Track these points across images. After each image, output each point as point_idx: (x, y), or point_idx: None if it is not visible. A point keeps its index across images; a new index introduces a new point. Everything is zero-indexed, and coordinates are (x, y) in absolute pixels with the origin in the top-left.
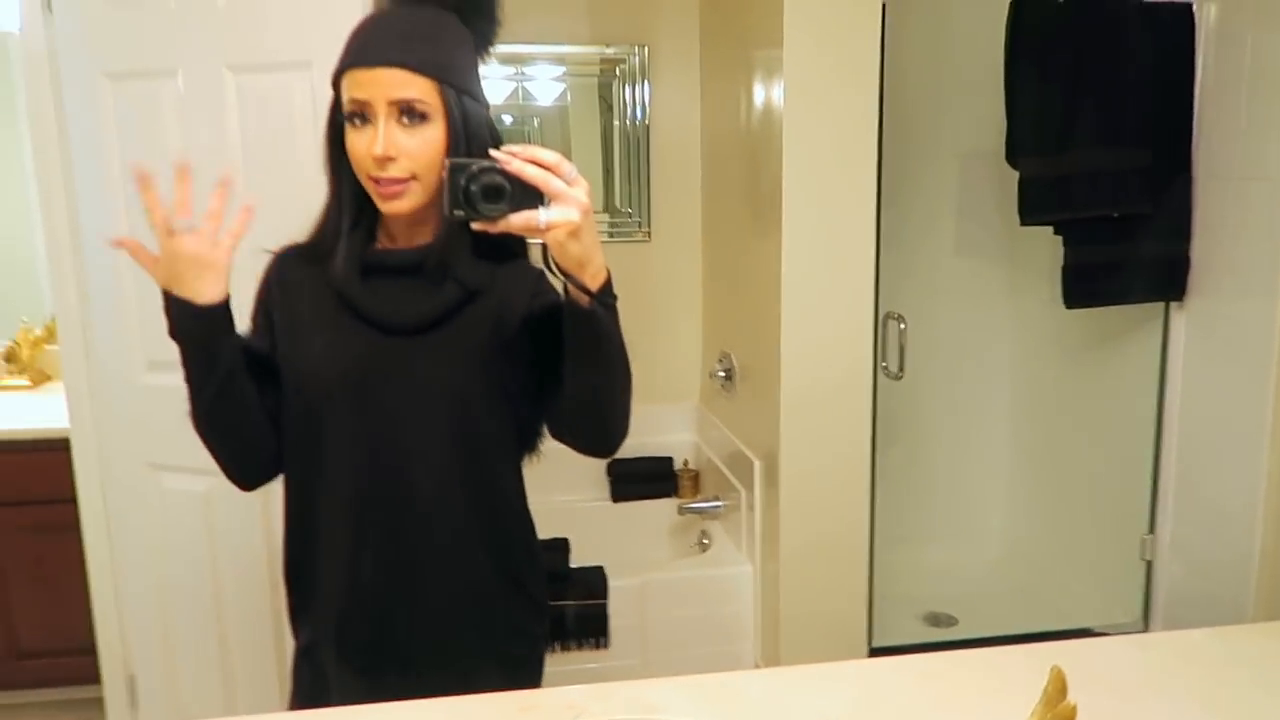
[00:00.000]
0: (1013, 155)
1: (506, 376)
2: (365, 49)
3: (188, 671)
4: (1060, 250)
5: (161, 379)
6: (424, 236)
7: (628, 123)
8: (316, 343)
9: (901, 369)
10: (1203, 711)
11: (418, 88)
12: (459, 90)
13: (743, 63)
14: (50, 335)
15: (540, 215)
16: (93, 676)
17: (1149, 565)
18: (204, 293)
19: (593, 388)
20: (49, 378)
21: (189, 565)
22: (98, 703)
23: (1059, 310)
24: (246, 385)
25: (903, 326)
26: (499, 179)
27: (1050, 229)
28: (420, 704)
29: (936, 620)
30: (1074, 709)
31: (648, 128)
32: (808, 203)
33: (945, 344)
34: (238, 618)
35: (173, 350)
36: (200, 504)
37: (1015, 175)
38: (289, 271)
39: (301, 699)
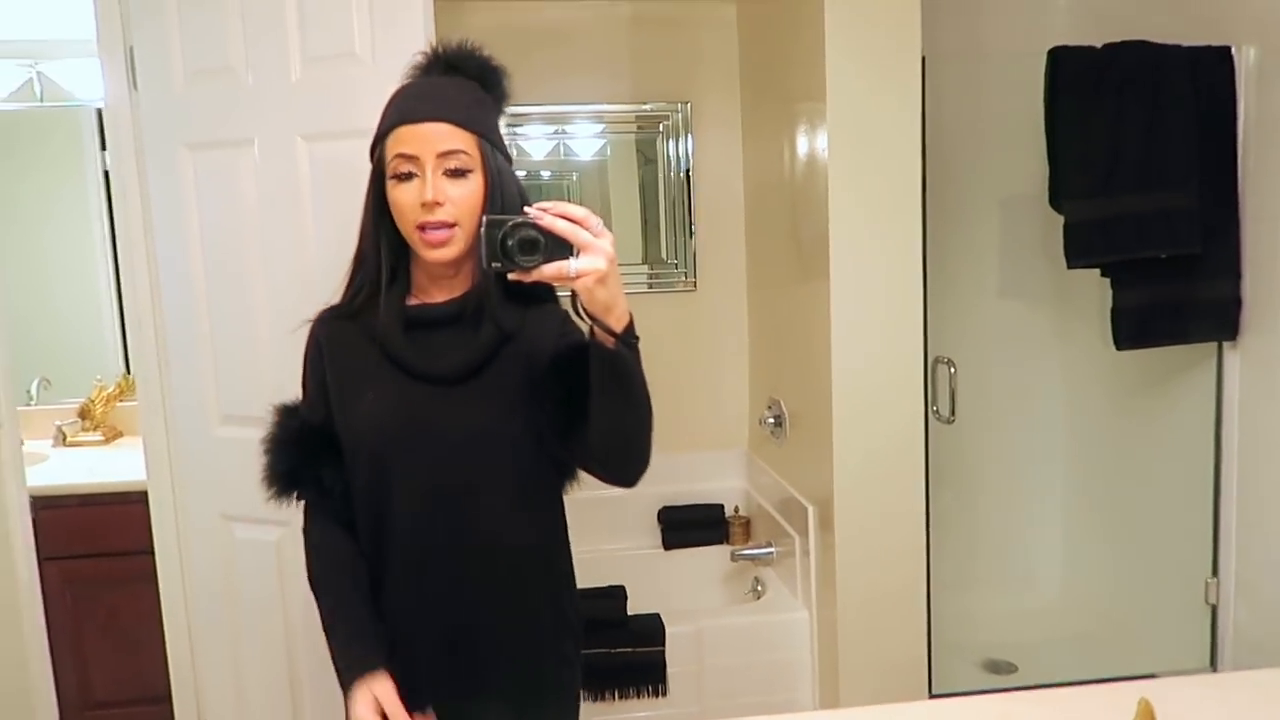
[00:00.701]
0: (1056, 199)
1: (538, 414)
2: (411, 108)
3: (260, 715)
4: (1108, 292)
5: (234, 432)
6: (456, 289)
7: (671, 175)
8: (367, 397)
9: (953, 413)
10: None
11: (461, 140)
12: (494, 146)
13: (785, 116)
14: (122, 392)
15: (570, 265)
16: None
17: (1213, 609)
18: None
19: (617, 422)
20: (120, 434)
21: (261, 613)
22: None
23: (1109, 352)
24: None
25: (953, 370)
26: (533, 233)
27: (1097, 271)
28: None
29: (996, 668)
30: None
31: (691, 180)
32: (854, 250)
33: (996, 388)
34: (308, 665)
35: (244, 405)
36: (272, 553)
37: (1058, 219)
38: (332, 332)
39: None
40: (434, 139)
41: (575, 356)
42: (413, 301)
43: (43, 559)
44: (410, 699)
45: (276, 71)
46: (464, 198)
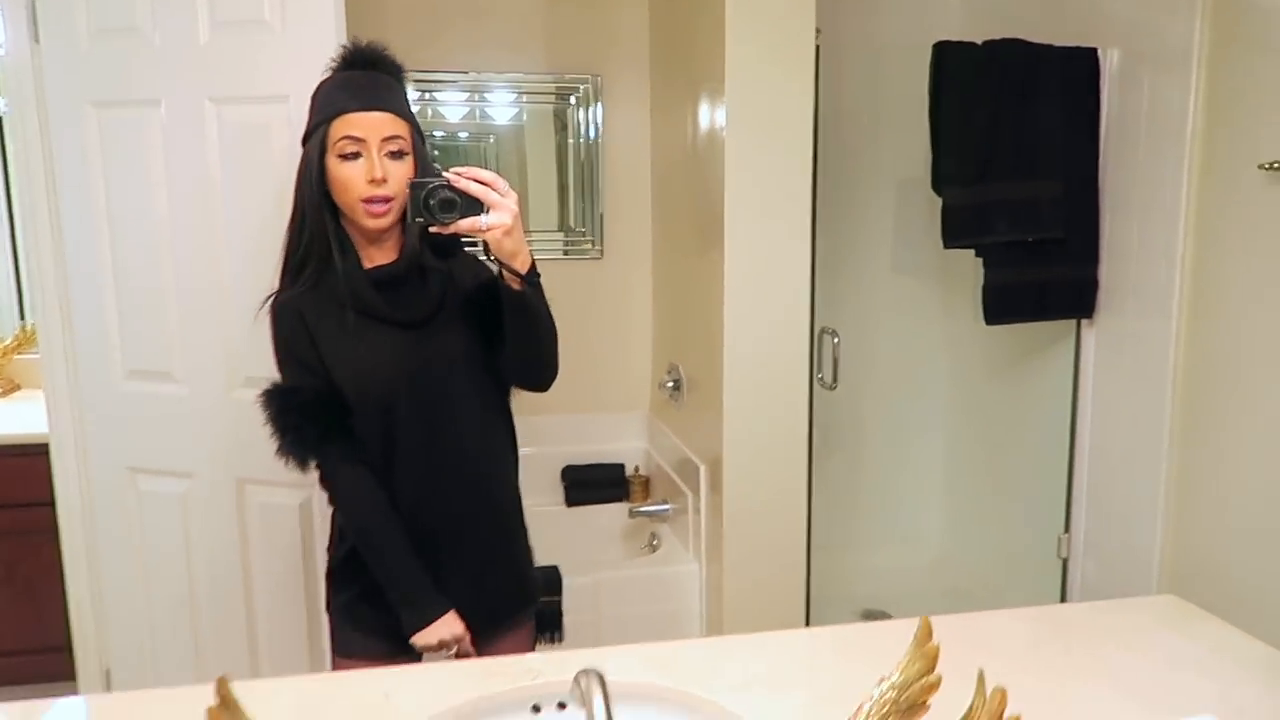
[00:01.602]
0: (937, 185)
1: (478, 338)
2: (355, 97)
3: (166, 662)
4: (981, 272)
5: (140, 386)
6: (390, 252)
7: (581, 146)
8: (359, 351)
9: (835, 380)
10: (1065, 666)
11: (400, 128)
12: (420, 134)
13: (689, 92)
14: (20, 345)
15: (482, 220)
16: (67, 673)
17: (1064, 562)
18: None
19: (531, 342)
20: (18, 386)
21: (166, 563)
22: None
23: (984, 327)
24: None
25: (836, 340)
26: (450, 194)
27: (971, 252)
28: (391, 673)
29: (871, 616)
30: (937, 648)
31: (599, 151)
32: (748, 223)
33: (880, 357)
34: (211, 614)
35: (151, 360)
36: (177, 504)
37: (938, 202)
38: (305, 308)
39: (343, 647)
40: (379, 125)
41: (491, 290)
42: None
43: None
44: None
45: (185, 33)
46: (401, 176)
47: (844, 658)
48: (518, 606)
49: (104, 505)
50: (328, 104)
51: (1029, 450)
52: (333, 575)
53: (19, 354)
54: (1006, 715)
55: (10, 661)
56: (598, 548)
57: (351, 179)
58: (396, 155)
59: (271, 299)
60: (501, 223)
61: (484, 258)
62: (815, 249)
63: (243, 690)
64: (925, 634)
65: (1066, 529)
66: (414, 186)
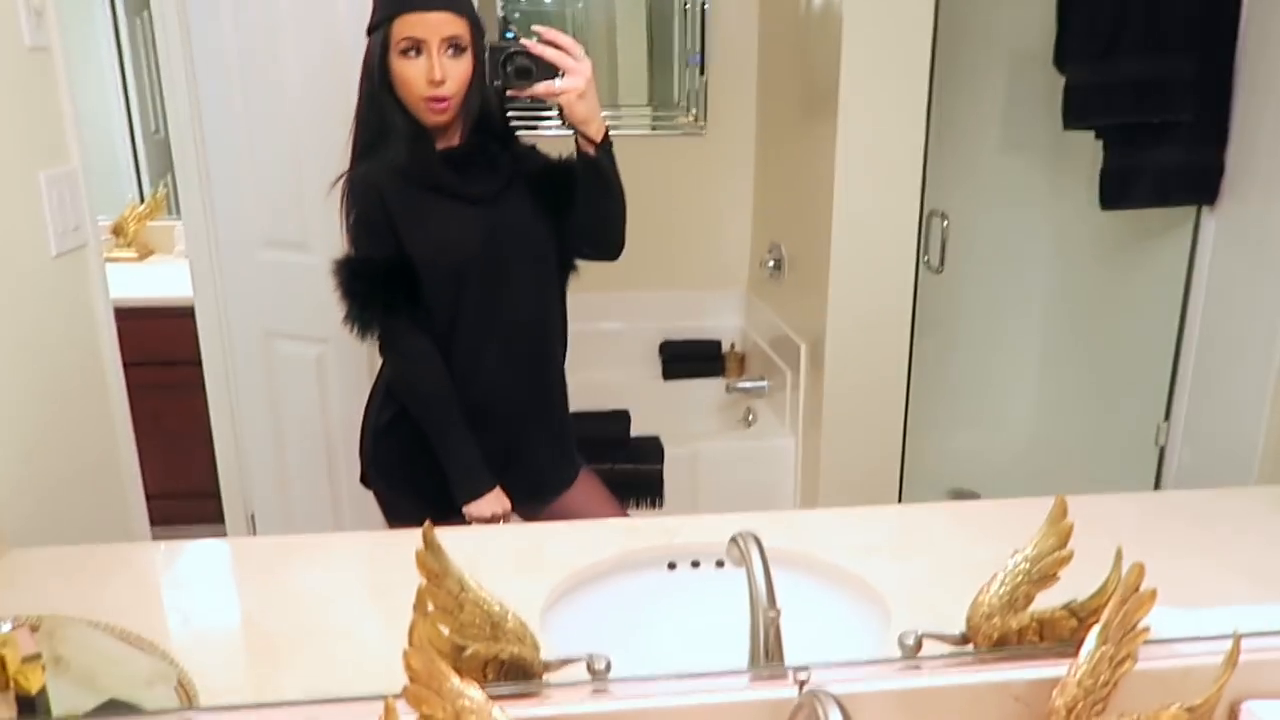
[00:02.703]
0: (1060, 60)
1: (542, 217)
2: None
3: (303, 511)
4: (1099, 154)
5: (277, 255)
6: (453, 139)
7: (687, 13)
8: (432, 225)
9: (942, 263)
10: (1196, 551)
11: (460, 26)
12: (480, 29)
13: None
14: (152, 211)
15: (556, 84)
16: (214, 517)
17: (1161, 451)
18: None
19: (602, 210)
20: (153, 251)
21: (303, 421)
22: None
23: (1095, 211)
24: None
25: (945, 223)
26: (526, 60)
27: (1091, 133)
28: (545, 527)
29: (960, 495)
30: (1071, 525)
31: (706, 18)
32: (863, 97)
33: (985, 241)
34: (347, 467)
35: (287, 229)
36: (313, 367)
37: (1058, 79)
38: (381, 183)
39: (392, 508)
40: (439, 25)
41: (563, 169)
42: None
43: None
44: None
45: None
46: (461, 75)
47: (955, 531)
48: (564, 480)
49: (244, 367)
50: (388, 2)
51: (1134, 338)
52: (380, 436)
53: (152, 221)
54: (1143, 588)
55: (162, 504)
56: (695, 421)
57: (412, 78)
58: (456, 52)
59: (345, 176)
60: (575, 87)
61: (561, 123)
62: (929, 127)
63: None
64: (1060, 511)
65: (1166, 417)
66: (491, 52)
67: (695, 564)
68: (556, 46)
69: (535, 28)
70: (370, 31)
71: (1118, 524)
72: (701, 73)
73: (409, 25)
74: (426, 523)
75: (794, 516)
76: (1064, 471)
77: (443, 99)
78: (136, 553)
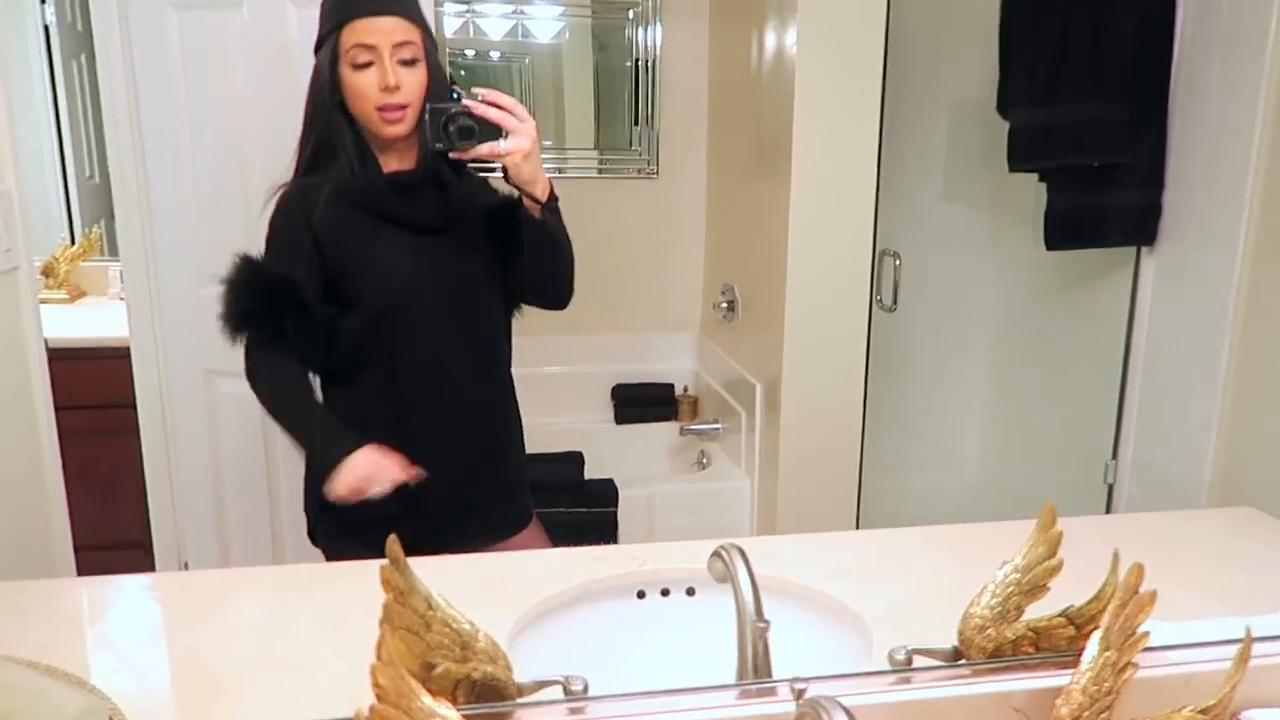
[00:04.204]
0: (1004, 105)
1: (491, 255)
2: (364, 2)
3: (242, 559)
4: (1043, 197)
5: (218, 291)
6: (406, 160)
7: (637, 63)
8: (374, 253)
9: (895, 302)
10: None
11: (412, 33)
12: (433, 39)
13: (755, 11)
14: (85, 252)
15: (500, 145)
16: (147, 568)
17: (1110, 488)
18: None
19: (547, 266)
20: (84, 293)
21: (243, 461)
22: None
23: (1039, 253)
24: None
25: (898, 263)
26: (469, 121)
27: (1034, 177)
28: (508, 555)
29: None
30: (1060, 534)
31: (657, 69)
32: (815, 145)
33: (935, 280)
34: (290, 508)
35: (229, 265)
36: (254, 406)
37: (1002, 125)
38: (314, 203)
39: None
40: (391, 31)
41: (506, 212)
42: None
43: None
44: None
45: None
46: (415, 83)
47: (924, 554)
48: (515, 524)
49: (182, 406)
50: (337, 9)
51: (1079, 377)
52: (321, 510)
53: (85, 261)
54: (1142, 589)
55: (91, 556)
56: (649, 464)
57: (365, 88)
58: (409, 63)
59: (281, 189)
60: (519, 148)
61: (506, 182)
62: (880, 170)
63: (355, 567)
64: (1049, 519)
65: (1114, 455)
66: (432, 113)
67: (665, 592)
68: (499, 107)
69: (476, 89)
70: (318, 48)
71: (1089, 546)
72: (654, 124)
73: (359, 31)
74: (391, 537)
75: (762, 541)
76: (1016, 509)
77: (398, 107)
78: (63, 589)
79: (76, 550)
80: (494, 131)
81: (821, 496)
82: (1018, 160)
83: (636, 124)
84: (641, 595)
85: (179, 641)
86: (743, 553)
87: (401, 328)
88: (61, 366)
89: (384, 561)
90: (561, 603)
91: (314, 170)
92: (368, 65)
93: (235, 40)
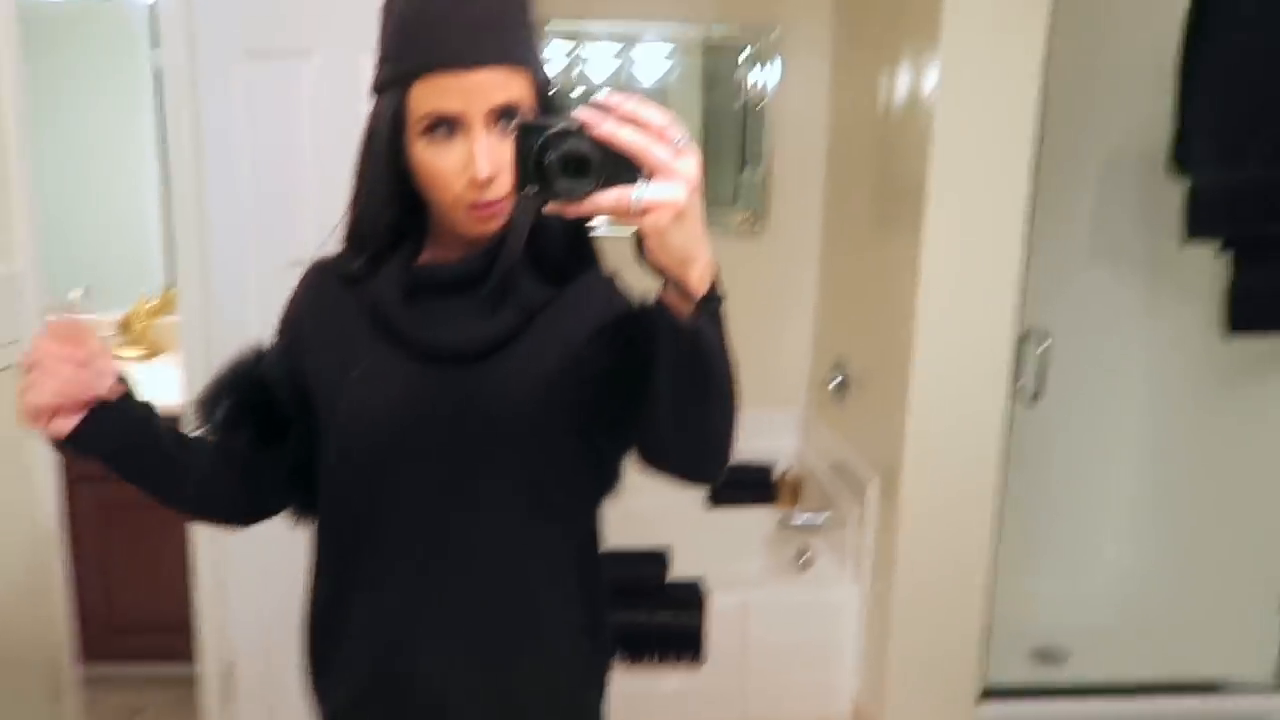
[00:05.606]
0: (1182, 161)
1: (579, 405)
2: (446, 45)
3: (286, 665)
4: (1219, 269)
5: None
6: (455, 247)
7: (748, 108)
8: (353, 373)
9: (1039, 392)
10: None
11: (517, 87)
12: (547, 83)
13: (886, 49)
14: (165, 307)
15: (635, 194)
16: (187, 654)
17: None
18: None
19: (693, 412)
20: (162, 350)
21: (294, 562)
22: (189, 680)
23: (1209, 335)
24: (200, 459)
25: (1047, 344)
26: (584, 146)
27: (1212, 248)
28: None
29: (1048, 656)
30: None
31: (767, 114)
32: (953, 204)
33: (1081, 363)
34: None
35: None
36: None
37: (1161, 179)
38: (324, 287)
39: None
40: (485, 91)
41: (627, 325)
42: (425, 260)
43: (74, 480)
44: None
45: None
46: None
47: None
48: None
49: None
50: (406, 47)
51: (1254, 486)
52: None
53: (164, 317)
54: None
55: (136, 640)
56: (743, 557)
57: (445, 171)
58: (510, 120)
59: (316, 263)
60: (671, 200)
61: (641, 263)
62: (1028, 235)
63: None
64: None
65: None
66: (523, 133)
67: None
68: (639, 126)
69: (600, 98)
70: (377, 90)
71: None
72: (761, 171)
73: (437, 93)
74: None
75: None
76: (1169, 637)
77: (495, 203)
78: None
79: (120, 632)
80: (625, 169)
81: (942, 610)
82: (1199, 227)
83: (743, 169)
84: None
85: None
86: None
87: (379, 487)
88: None
89: None
90: None
91: (356, 246)
92: (449, 135)
93: (305, 91)
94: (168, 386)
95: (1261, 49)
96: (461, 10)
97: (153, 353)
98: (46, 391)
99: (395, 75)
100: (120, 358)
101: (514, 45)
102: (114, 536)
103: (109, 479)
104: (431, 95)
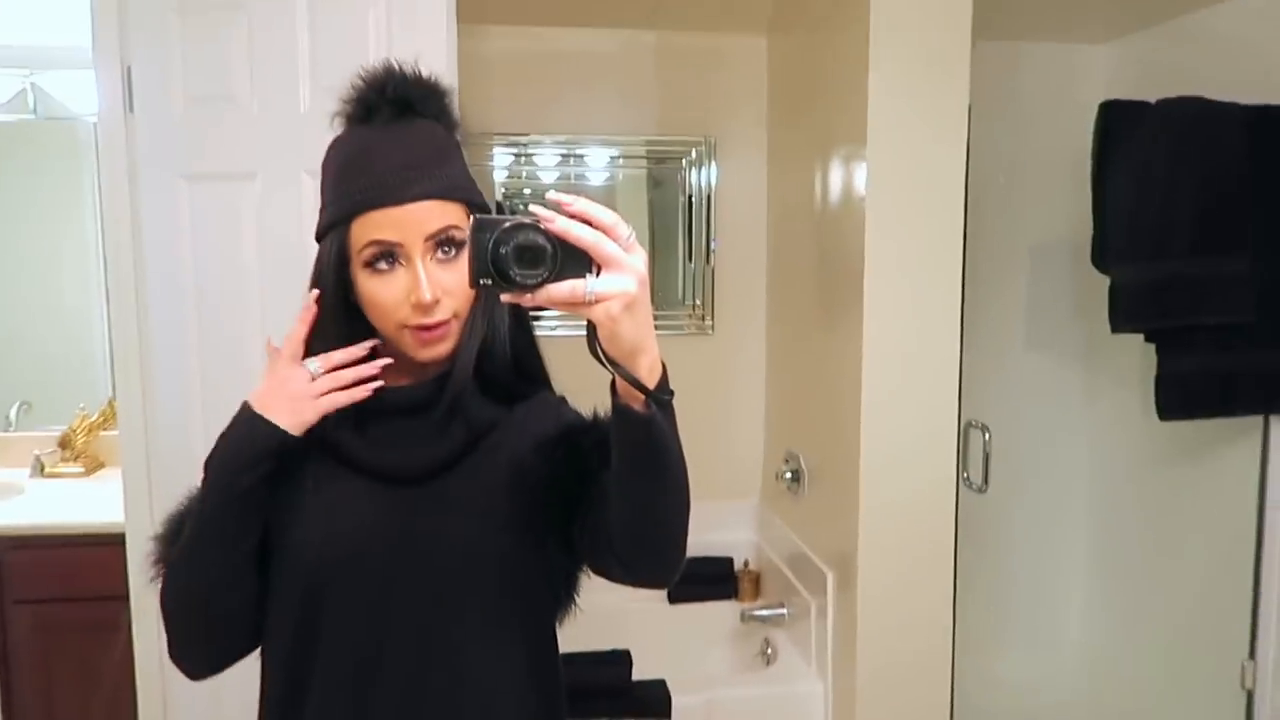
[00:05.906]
0: (1102, 261)
1: (529, 519)
2: (383, 185)
3: None
4: (1139, 351)
5: None
6: (405, 371)
7: (692, 213)
8: (307, 500)
9: (986, 481)
10: None
11: (451, 214)
12: (478, 201)
13: (818, 153)
14: (106, 421)
15: (588, 285)
16: None
17: (1249, 694)
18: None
19: (647, 508)
20: (102, 464)
21: (240, 675)
22: None
23: (1143, 418)
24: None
25: (987, 436)
26: (538, 239)
27: (1133, 335)
28: None
29: None
30: None
31: (711, 219)
32: (890, 298)
33: (1020, 449)
34: None
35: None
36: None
37: (1089, 268)
38: None
39: None
40: (420, 221)
41: (576, 434)
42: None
43: (12, 602)
44: None
45: (285, 101)
46: (460, 281)
47: None
48: None
49: None
50: (344, 192)
51: (1200, 562)
52: None
53: (105, 430)
54: None
55: None
56: (706, 655)
57: (388, 299)
58: (452, 248)
59: None
60: (622, 291)
61: (594, 356)
62: (963, 326)
63: None
64: None
65: (1251, 655)
66: (478, 227)
67: None
68: (589, 223)
69: (554, 195)
70: (319, 237)
71: None
72: (708, 275)
73: (375, 226)
74: None
75: None
76: (1134, 713)
77: (437, 326)
78: None
79: None
80: (577, 262)
81: (908, 698)
82: (1123, 320)
83: (690, 264)
84: None
85: None
86: None
87: (325, 615)
88: (58, 554)
89: None
90: None
91: None
92: (390, 266)
93: (248, 213)
94: (109, 504)
95: (1164, 154)
96: (393, 155)
97: (94, 468)
98: (343, 397)
99: (336, 217)
100: (60, 474)
101: (445, 179)
102: (53, 660)
103: (48, 599)
104: (370, 229)
